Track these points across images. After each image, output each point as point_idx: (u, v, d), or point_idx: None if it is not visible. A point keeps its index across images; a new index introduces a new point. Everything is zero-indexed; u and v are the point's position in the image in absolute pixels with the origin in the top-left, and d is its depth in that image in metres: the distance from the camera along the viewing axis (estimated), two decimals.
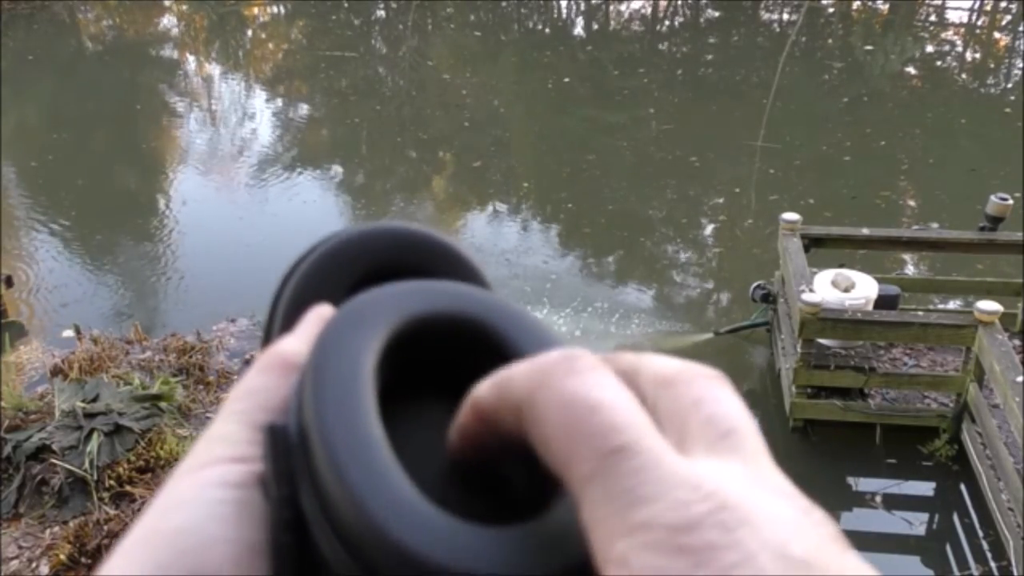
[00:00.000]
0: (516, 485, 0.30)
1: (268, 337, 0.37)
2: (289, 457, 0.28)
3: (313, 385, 0.28)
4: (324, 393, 0.28)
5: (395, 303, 0.32)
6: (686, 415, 0.27)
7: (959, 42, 14.98)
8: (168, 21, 16.41)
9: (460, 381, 0.33)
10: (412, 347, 0.32)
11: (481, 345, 0.32)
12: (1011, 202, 5.90)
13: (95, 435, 4.78)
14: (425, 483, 0.27)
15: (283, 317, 0.37)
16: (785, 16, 15.88)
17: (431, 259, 0.39)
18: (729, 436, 0.26)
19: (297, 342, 0.33)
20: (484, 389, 0.28)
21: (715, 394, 0.28)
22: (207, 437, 0.31)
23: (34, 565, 4.34)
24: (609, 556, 0.23)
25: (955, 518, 5.15)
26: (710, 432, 0.26)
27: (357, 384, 0.28)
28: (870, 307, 5.48)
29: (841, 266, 5.82)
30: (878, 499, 5.25)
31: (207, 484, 0.28)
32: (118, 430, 4.86)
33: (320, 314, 0.35)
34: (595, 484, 0.24)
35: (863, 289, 5.54)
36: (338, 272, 0.38)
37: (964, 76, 13.57)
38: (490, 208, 9.13)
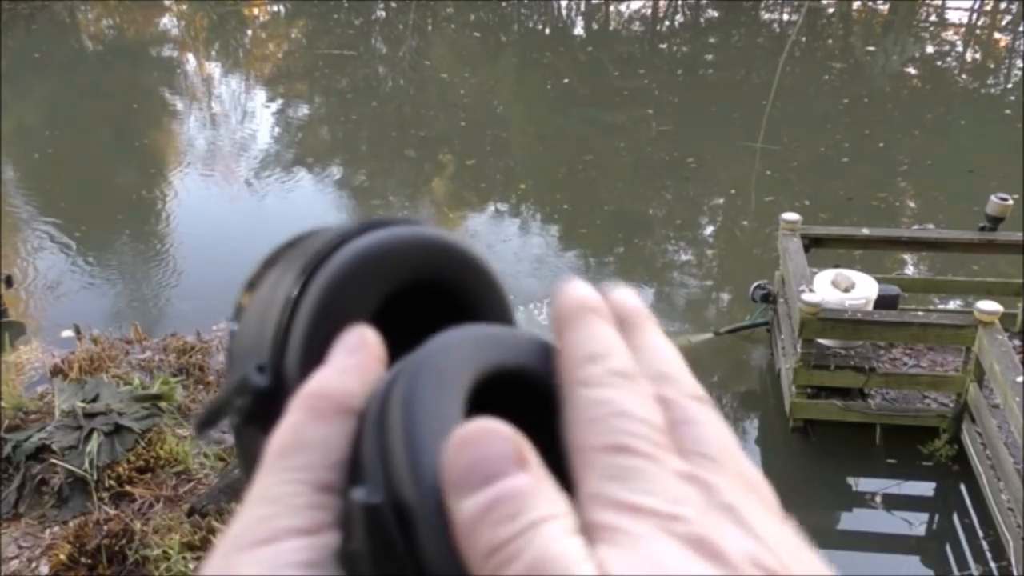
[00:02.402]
0: None
1: (283, 348, 0.33)
2: (388, 534, 0.25)
3: (408, 450, 0.25)
4: (425, 470, 0.25)
5: (471, 356, 0.29)
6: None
7: (959, 42, 14.98)
8: (168, 21, 16.41)
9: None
10: (482, 403, 0.29)
11: (546, 404, 0.30)
12: (1011, 202, 5.90)
13: (95, 435, 4.78)
14: None
15: (309, 329, 0.32)
16: (785, 16, 15.88)
17: (464, 279, 0.35)
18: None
19: (349, 379, 0.29)
20: None
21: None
22: (262, 498, 0.27)
23: (34, 565, 4.34)
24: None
25: (955, 518, 5.15)
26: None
27: None
28: (870, 307, 5.48)
29: (836, 267, 5.82)
30: (878, 499, 5.26)
31: (283, 565, 0.25)
32: (118, 430, 4.86)
33: (364, 341, 0.30)
34: None
35: (863, 289, 5.54)
36: (370, 284, 0.34)
37: (964, 77, 13.57)
38: (486, 208, 9.13)
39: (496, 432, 0.24)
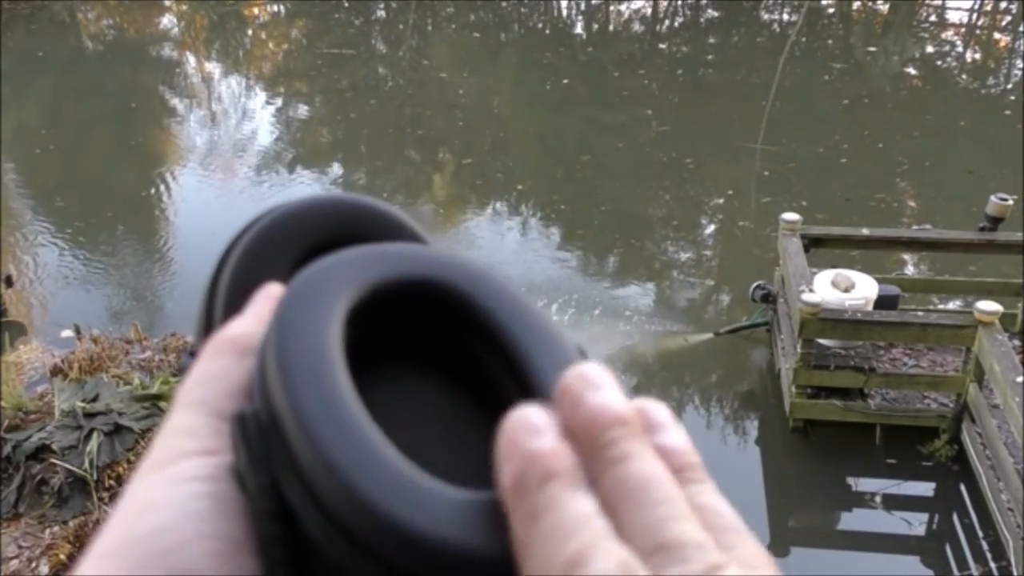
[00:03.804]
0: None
1: (209, 324, 0.35)
2: (264, 444, 0.26)
3: (278, 363, 0.26)
4: (292, 371, 0.26)
5: (351, 270, 0.30)
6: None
7: (959, 42, 14.99)
8: (168, 21, 16.41)
9: (424, 342, 0.32)
10: (373, 313, 0.30)
11: (444, 306, 0.31)
12: (1011, 202, 5.90)
13: (95, 435, 4.78)
14: (410, 450, 0.25)
15: (225, 301, 0.35)
16: (785, 16, 15.88)
17: (376, 230, 0.37)
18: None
19: (248, 323, 0.31)
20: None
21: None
22: (169, 431, 0.29)
23: (34, 565, 4.34)
24: None
25: (955, 518, 5.15)
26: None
27: (325, 358, 0.27)
28: (870, 307, 5.48)
29: (832, 267, 5.82)
30: (878, 499, 5.25)
31: (178, 480, 0.27)
32: (118, 430, 4.86)
33: (270, 293, 0.32)
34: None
35: (863, 289, 5.54)
36: (280, 248, 0.36)
37: (964, 77, 13.56)
38: (482, 209, 9.13)
39: None
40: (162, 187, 9.65)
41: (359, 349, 0.29)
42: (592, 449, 0.24)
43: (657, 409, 0.27)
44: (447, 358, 0.32)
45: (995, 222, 5.88)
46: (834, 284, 5.54)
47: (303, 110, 12.21)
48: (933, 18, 16.29)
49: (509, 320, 0.30)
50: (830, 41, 15.25)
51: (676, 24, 16.32)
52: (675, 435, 0.27)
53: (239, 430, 0.26)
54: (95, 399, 5.15)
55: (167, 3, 16.92)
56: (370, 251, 0.31)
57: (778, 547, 5.02)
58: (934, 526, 5.19)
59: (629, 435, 0.25)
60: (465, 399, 0.31)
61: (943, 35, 15.28)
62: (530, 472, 0.24)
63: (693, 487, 0.25)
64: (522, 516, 0.24)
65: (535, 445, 0.24)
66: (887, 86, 12.54)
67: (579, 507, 0.23)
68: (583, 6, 16.91)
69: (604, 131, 10.77)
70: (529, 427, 0.24)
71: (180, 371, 0.33)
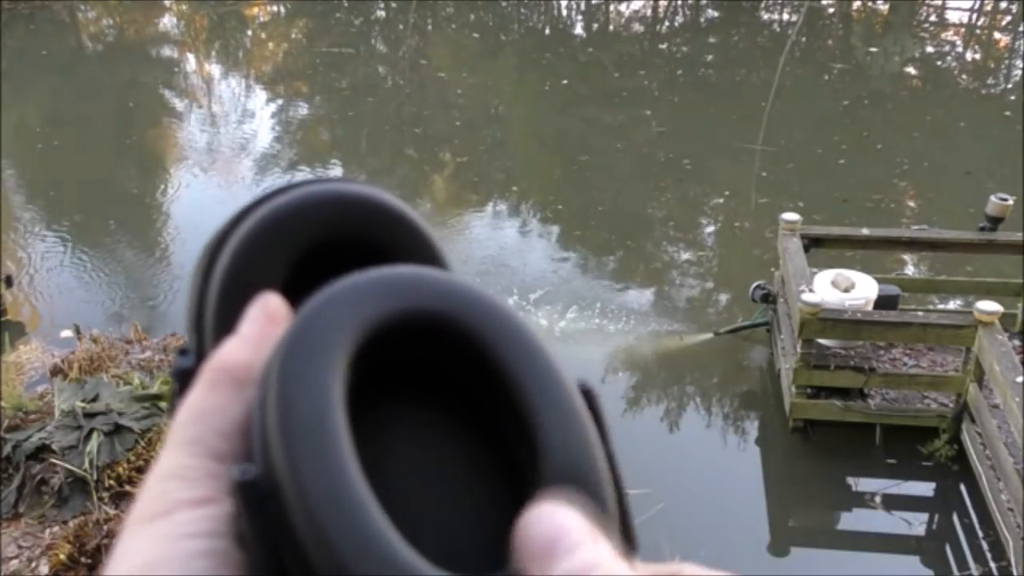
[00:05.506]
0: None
1: (200, 326, 0.33)
2: (265, 514, 0.25)
3: (281, 428, 0.25)
4: (295, 441, 0.25)
5: (358, 306, 0.28)
6: None
7: (959, 43, 14.98)
8: (168, 21, 16.40)
9: (428, 378, 0.31)
10: (378, 350, 0.29)
11: (451, 340, 0.29)
12: (1011, 202, 5.90)
13: (95, 435, 4.78)
14: (406, 520, 0.25)
15: (217, 305, 0.32)
16: (785, 16, 15.87)
17: (381, 227, 0.34)
18: None
19: (245, 349, 0.30)
20: None
21: None
22: (161, 473, 0.28)
23: (34, 565, 4.33)
24: None
25: (955, 518, 5.15)
26: None
27: (329, 425, 0.26)
28: (870, 307, 5.48)
29: (832, 267, 5.82)
30: (878, 499, 5.25)
31: (176, 537, 0.26)
32: (118, 430, 4.86)
33: (268, 311, 0.31)
34: None
35: (863, 289, 5.54)
36: (276, 248, 0.33)
37: (964, 77, 13.56)
38: (480, 209, 9.13)
39: None
40: (162, 187, 9.65)
41: (360, 386, 0.28)
42: None
43: None
44: (452, 397, 0.31)
45: (995, 222, 5.88)
46: (834, 284, 5.54)
47: (303, 110, 12.21)
48: (933, 18, 16.29)
49: (517, 365, 0.29)
50: (830, 41, 15.24)
51: (676, 24, 16.31)
52: None
53: (242, 498, 0.26)
54: (95, 399, 5.15)
55: (167, 3, 16.91)
56: (373, 281, 0.29)
57: (778, 547, 5.02)
58: (934, 526, 5.19)
59: None
60: (469, 450, 0.30)
61: (943, 35, 15.28)
62: None
63: None
64: None
65: None
66: (887, 86, 12.53)
67: None
68: (583, 6, 16.91)
69: (603, 131, 10.77)
70: None
71: (175, 374, 0.32)
